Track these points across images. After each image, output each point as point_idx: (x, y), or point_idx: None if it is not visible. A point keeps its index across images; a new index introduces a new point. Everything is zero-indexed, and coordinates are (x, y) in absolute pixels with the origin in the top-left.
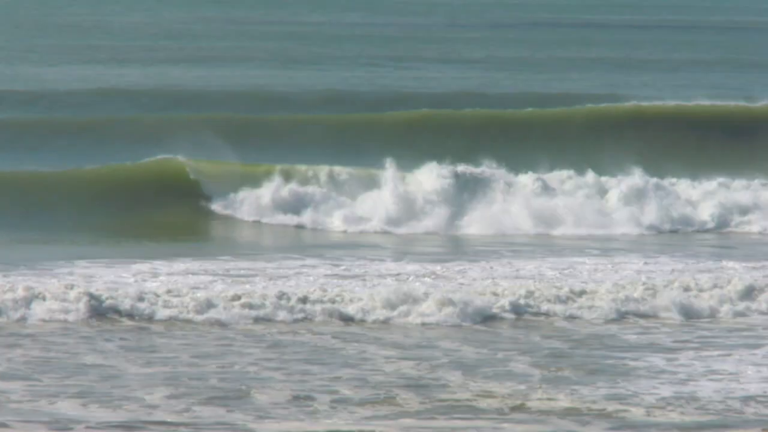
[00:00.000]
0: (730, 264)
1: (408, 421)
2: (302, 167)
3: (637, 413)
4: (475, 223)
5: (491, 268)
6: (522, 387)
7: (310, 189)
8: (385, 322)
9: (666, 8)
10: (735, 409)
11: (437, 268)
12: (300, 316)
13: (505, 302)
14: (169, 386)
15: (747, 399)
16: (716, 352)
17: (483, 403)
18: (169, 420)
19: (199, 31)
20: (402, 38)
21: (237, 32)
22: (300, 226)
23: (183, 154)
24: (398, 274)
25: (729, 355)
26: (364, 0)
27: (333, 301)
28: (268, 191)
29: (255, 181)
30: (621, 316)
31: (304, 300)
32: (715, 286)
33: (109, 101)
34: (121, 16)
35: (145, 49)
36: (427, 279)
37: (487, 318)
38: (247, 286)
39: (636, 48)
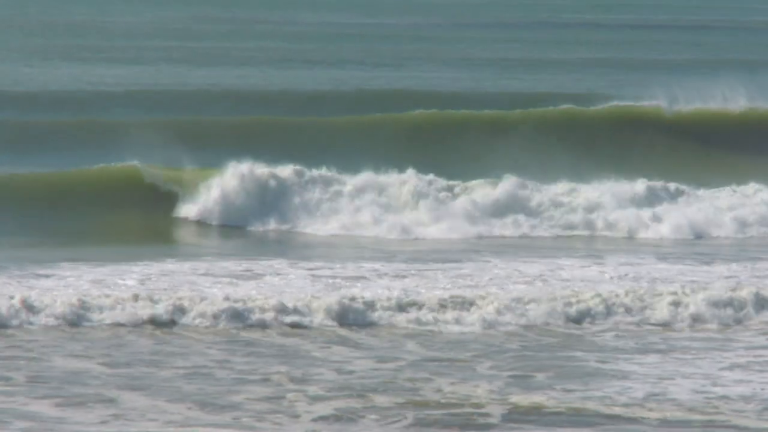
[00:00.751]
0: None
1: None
2: (287, 169)
3: (612, 413)
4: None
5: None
6: (493, 388)
7: (296, 191)
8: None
9: (663, 8)
10: (710, 408)
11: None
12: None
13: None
14: (143, 389)
15: (720, 398)
16: (686, 355)
17: (456, 405)
18: (144, 423)
19: (195, 32)
20: (399, 38)
21: (233, 32)
22: (281, 231)
23: (157, 160)
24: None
25: (701, 358)
26: (360, 1)
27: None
28: (246, 195)
29: (236, 185)
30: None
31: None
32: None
33: (96, 103)
34: (117, 17)
35: (139, 50)
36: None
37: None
38: (215, 290)
39: (634, 49)
